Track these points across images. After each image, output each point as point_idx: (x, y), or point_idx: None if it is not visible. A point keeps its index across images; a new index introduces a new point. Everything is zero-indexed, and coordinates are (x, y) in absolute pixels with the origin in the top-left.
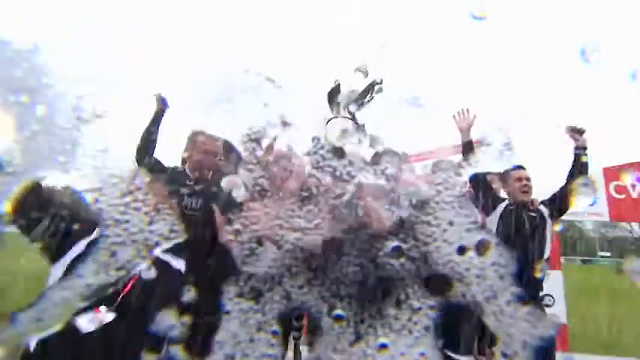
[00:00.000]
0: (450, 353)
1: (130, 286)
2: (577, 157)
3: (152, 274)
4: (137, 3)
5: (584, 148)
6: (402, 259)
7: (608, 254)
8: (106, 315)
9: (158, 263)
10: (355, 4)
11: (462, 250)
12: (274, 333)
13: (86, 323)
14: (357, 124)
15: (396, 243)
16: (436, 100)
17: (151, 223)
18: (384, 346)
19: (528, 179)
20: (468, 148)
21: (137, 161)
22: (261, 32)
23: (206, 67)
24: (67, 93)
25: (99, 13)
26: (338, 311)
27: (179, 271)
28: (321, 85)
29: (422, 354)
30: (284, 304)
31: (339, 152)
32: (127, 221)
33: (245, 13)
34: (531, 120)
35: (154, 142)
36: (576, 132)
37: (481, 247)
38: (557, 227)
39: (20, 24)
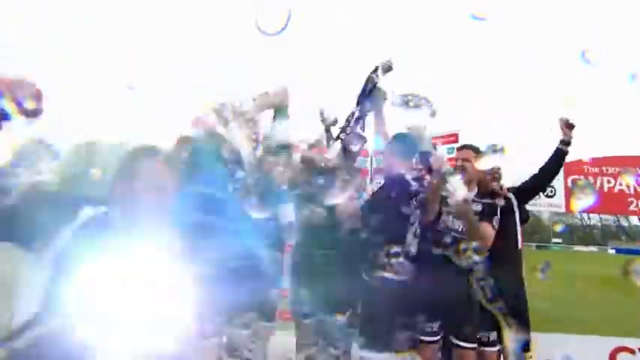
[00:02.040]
0: (455, 341)
1: None
2: (559, 150)
3: None
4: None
5: (569, 144)
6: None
7: (560, 240)
8: None
9: None
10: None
11: None
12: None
13: None
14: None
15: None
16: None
17: None
18: None
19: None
20: None
21: None
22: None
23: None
24: None
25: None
26: None
27: None
28: (322, 85)
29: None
30: None
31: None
32: None
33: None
34: (530, 120)
35: None
36: (568, 126)
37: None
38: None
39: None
